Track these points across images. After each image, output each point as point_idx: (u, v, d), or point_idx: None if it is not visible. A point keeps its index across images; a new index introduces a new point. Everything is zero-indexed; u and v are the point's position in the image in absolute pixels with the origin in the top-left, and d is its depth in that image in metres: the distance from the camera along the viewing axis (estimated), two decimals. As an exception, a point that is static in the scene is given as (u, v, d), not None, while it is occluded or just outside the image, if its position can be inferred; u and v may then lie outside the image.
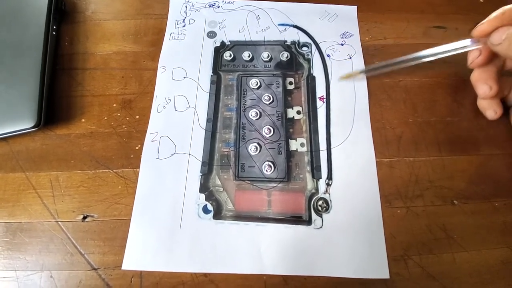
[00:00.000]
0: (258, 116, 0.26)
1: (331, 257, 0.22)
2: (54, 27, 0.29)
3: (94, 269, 0.22)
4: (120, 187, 0.24)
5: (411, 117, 0.26)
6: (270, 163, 0.24)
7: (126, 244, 0.22)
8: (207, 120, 0.26)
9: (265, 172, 0.24)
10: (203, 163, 0.24)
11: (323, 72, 0.27)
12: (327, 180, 0.24)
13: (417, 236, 0.22)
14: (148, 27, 0.30)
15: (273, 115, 0.26)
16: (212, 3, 0.31)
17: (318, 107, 0.26)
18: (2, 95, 0.25)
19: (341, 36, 0.29)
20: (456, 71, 0.27)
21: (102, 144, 0.25)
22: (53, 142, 0.25)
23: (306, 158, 0.24)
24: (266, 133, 0.25)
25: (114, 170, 0.24)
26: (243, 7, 0.30)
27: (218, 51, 0.28)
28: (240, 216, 0.23)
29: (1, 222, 0.23)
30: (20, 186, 0.24)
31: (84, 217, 0.23)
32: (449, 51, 0.23)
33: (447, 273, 0.21)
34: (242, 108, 0.26)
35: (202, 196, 0.23)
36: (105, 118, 0.26)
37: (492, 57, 0.23)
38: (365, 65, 0.27)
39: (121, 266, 0.21)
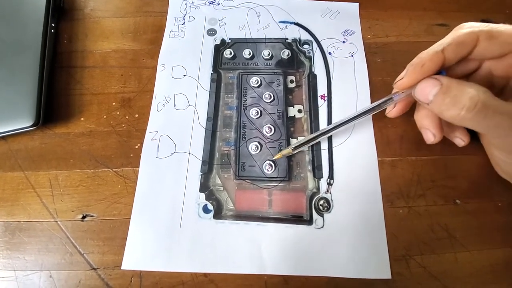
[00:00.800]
0: (259, 115, 0.26)
1: (332, 257, 0.21)
2: (53, 24, 0.28)
3: (94, 269, 0.22)
4: (119, 186, 0.24)
5: (413, 116, 0.25)
6: (271, 162, 0.24)
7: (125, 243, 0.22)
8: (207, 119, 0.26)
9: (265, 171, 0.24)
10: (203, 162, 0.24)
11: (325, 70, 0.27)
12: (328, 180, 0.23)
13: (419, 236, 0.22)
14: (147, 24, 0.30)
15: (274, 113, 0.26)
16: (212, 0, 0.30)
17: (319, 106, 0.26)
18: (1, 93, 0.24)
19: (342, 33, 0.29)
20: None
21: (102, 143, 0.25)
22: (52, 141, 0.25)
23: (307, 157, 0.24)
24: (266, 132, 0.25)
25: (114, 169, 0.24)
26: (244, 4, 0.30)
27: (218, 49, 0.28)
28: (241, 216, 0.23)
29: (0, 222, 0.23)
30: (19, 185, 0.24)
31: (84, 217, 0.23)
32: (374, 108, 0.21)
33: (449, 273, 0.21)
34: (242, 107, 0.26)
35: (202, 195, 0.23)
36: (104, 116, 0.26)
37: (411, 103, 0.22)
38: (291, 144, 0.25)
39: (120, 266, 0.21)
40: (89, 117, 0.26)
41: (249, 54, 0.28)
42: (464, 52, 0.18)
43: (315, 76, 0.27)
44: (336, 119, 0.25)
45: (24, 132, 0.24)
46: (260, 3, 0.30)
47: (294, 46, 0.28)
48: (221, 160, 0.24)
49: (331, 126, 0.23)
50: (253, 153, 0.24)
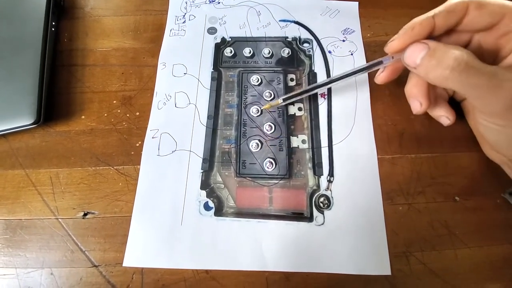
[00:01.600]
0: (259, 113, 0.26)
1: (332, 253, 0.21)
2: (53, 23, 0.28)
3: (95, 266, 0.22)
4: (120, 184, 0.24)
5: (412, 113, 0.26)
6: (271, 160, 0.24)
7: (127, 241, 0.22)
8: (208, 117, 0.26)
9: (266, 169, 0.24)
10: (204, 160, 0.24)
11: (325, 69, 0.27)
12: (328, 177, 0.24)
13: (419, 233, 0.22)
14: (147, 23, 0.30)
15: (274, 111, 0.26)
16: (213, -1, 0.31)
17: (319, 104, 0.26)
18: (1, 91, 0.24)
19: (342, 32, 0.29)
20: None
21: (102, 141, 0.25)
22: (53, 138, 0.25)
23: (308, 155, 0.24)
24: (267, 129, 0.25)
25: (115, 167, 0.24)
26: (244, 3, 0.30)
27: (219, 47, 0.28)
28: (242, 213, 0.23)
29: (1, 219, 0.23)
30: (20, 183, 0.24)
31: (85, 214, 0.23)
32: (365, 68, 0.22)
33: (449, 270, 0.21)
34: (243, 105, 0.26)
35: (203, 193, 0.23)
36: (105, 114, 0.26)
37: (400, 70, 0.22)
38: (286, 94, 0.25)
39: (122, 263, 0.21)
40: (90, 115, 0.26)
41: (250, 52, 0.28)
42: (453, 20, 0.19)
43: (315, 74, 0.27)
44: (336, 117, 0.25)
45: (25, 130, 0.25)
46: (260, 1, 0.30)
47: (294, 44, 0.28)
48: (222, 157, 0.24)
49: (318, 84, 0.23)
50: (253, 151, 0.24)
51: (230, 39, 0.29)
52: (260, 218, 0.23)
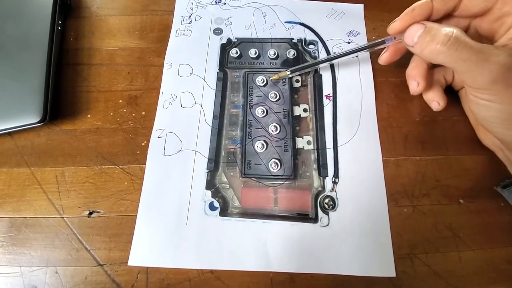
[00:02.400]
0: (265, 114, 0.26)
1: (337, 255, 0.22)
2: (60, 22, 0.28)
3: (100, 265, 0.22)
4: (126, 183, 0.24)
5: (418, 116, 0.26)
6: (276, 161, 0.24)
7: (132, 240, 0.22)
8: (214, 117, 0.26)
9: (271, 169, 0.24)
10: (209, 160, 0.24)
11: (330, 70, 0.27)
12: (333, 178, 0.24)
13: (423, 235, 0.22)
14: (154, 23, 0.30)
15: (280, 112, 0.26)
16: (219, 0, 0.31)
17: (324, 105, 0.26)
18: (8, 89, 0.24)
19: (347, 34, 0.29)
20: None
21: (108, 140, 0.25)
22: (59, 137, 0.25)
23: (313, 156, 0.24)
24: (272, 130, 0.25)
25: (120, 166, 0.24)
26: (250, 4, 0.30)
27: (225, 48, 0.28)
28: (247, 213, 0.23)
29: (5, 217, 0.23)
30: (25, 181, 0.24)
31: (90, 213, 0.23)
32: (367, 48, 0.24)
33: (453, 272, 0.21)
34: (248, 105, 0.26)
35: (209, 193, 0.23)
36: (111, 114, 0.26)
37: (401, 52, 0.24)
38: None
39: (127, 262, 0.21)
40: (95, 114, 0.26)
41: (255, 53, 0.28)
42: (451, 4, 0.21)
43: (320, 76, 0.27)
44: (341, 118, 0.26)
45: (31, 128, 0.25)
46: (266, 3, 0.30)
47: (299, 46, 0.28)
48: (227, 158, 0.24)
49: (322, 59, 0.26)
50: (259, 151, 0.25)
51: (236, 40, 0.29)
52: (265, 218, 0.23)
